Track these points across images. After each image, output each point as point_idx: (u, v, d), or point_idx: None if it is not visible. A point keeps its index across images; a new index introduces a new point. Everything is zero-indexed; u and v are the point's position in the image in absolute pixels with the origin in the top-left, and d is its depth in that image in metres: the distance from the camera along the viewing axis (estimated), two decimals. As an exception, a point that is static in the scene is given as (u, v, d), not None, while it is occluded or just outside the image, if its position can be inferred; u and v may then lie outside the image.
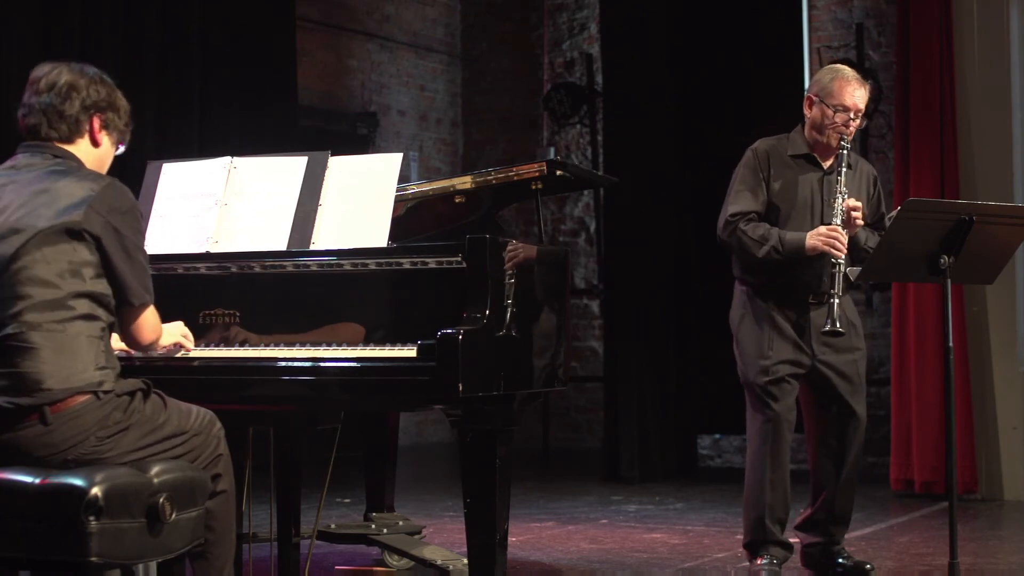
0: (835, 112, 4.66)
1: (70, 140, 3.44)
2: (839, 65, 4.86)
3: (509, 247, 3.79)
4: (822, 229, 4.58)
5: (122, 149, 3.59)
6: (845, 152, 4.65)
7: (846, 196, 4.61)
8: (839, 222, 4.57)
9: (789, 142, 4.80)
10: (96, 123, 3.46)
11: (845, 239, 4.55)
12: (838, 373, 4.76)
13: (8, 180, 3.38)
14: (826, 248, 4.54)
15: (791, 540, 4.85)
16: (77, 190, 3.30)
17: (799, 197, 4.72)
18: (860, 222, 4.64)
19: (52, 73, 3.45)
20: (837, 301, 4.52)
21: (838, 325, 4.51)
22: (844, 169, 4.63)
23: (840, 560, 4.85)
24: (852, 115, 4.67)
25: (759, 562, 4.74)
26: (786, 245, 4.60)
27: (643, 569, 5.23)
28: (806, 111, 4.77)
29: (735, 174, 4.79)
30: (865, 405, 4.85)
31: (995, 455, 7.10)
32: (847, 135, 4.67)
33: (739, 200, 4.71)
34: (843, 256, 4.54)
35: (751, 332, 4.75)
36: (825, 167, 4.75)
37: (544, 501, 7.20)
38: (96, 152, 3.48)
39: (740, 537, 4.89)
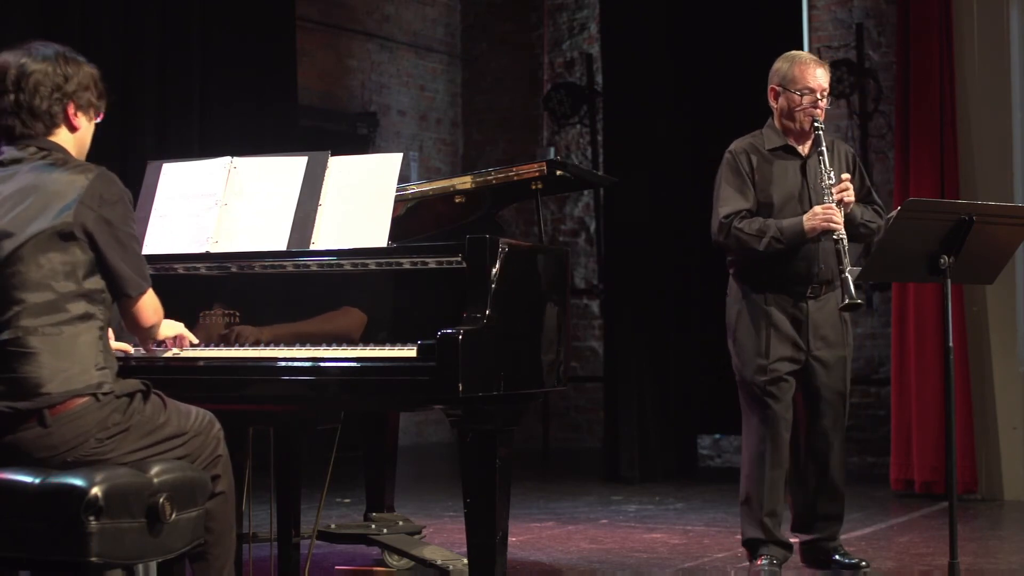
0: (801, 96, 4.73)
1: (49, 133, 3.40)
2: (793, 52, 4.91)
3: (503, 247, 3.78)
4: (817, 209, 4.62)
5: (100, 118, 3.52)
6: (821, 133, 4.70)
7: (831, 174, 4.64)
8: (830, 199, 4.61)
9: (763, 138, 4.84)
10: (71, 109, 3.40)
11: (841, 213, 4.58)
12: (828, 368, 4.78)
13: None
14: (825, 225, 4.58)
15: (791, 540, 4.86)
16: (67, 187, 3.27)
17: (784, 188, 4.76)
18: (851, 198, 4.65)
19: (14, 68, 3.36)
20: (848, 275, 4.52)
21: (855, 297, 4.51)
22: (823, 148, 4.68)
23: (836, 557, 4.86)
24: (819, 95, 4.73)
25: (759, 562, 4.75)
26: (785, 232, 4.64)
27: (643, 569, 5.22)
28: (772, 103, 4.83)
29: (718, 179, 4.82)
30: (848, 401, 4.87)
31: (995, 455, 7.10)
32: (818, 116, 4.72)
33: (729, 201, 4.74)
34: (842, 230, 4.56)
35: (748, 330, 4.76)
36: (804, 154, 4.80)
37: (544, 501, 7.20)
38: (76, 135, 3.44)
39: (740, 537, 4.90)
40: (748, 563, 4.83)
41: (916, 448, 7.11)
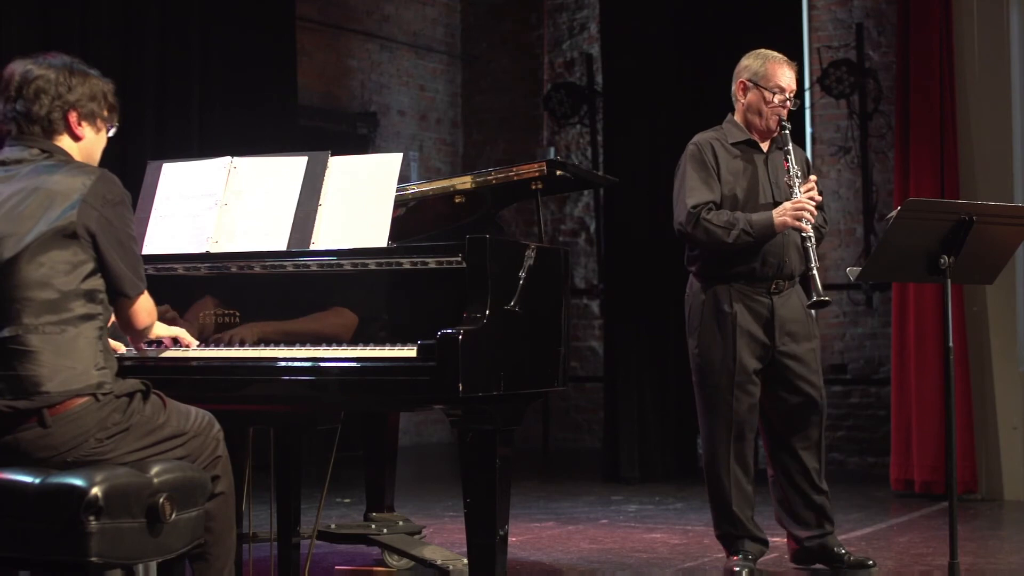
0: (773, 94, 4.74)
1: (49, 138, 3.41)
2: (764, 49, 4.90)
3: (503, 247, 3.78)
4: (787, 205, 4.63)
5: (113, 131, 3.55)
6: (787, 132, 4.73)
7: (798, 173, 4.67)
8: (801, 195, 4.62)
9: (725, 132, 4.85)
10: (72, 118, 3.42)
11: (813, 211, 4.60)
12: (800, 361, 4.78)
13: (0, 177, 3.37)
14: (795, 223, 4.59)
15: (770, 539, 4.88)
16: (70, 187, 3.28)
17: (747, 182, 4.77)
18: (819, 198, 4.67)
19: (19, 75, 3.40)
20: (815, 272, 4.53)
21: (823, 293, 4.51)
22: (790, 146, 4.71)
23: (834, 556, 4.83)
24: (788, 95, 4.75)
25: (735, 558, 4.77)
26: (755, 226, 4.64)
27: (643, 569, 5.22)
28: (740, 97, 4.83)
29: (681, 171, 4.81)
30: (823, 393, 4.86)
31: (995, 455, 7.10)
32: (784, 116, 4.75)
33: (695, 192, 4.72)
34: (811, 230, 4.58)
35: (713, 329, 4.76)
36: (764, 150, 4.82)
37: (544, 501, 7.20)
38: (80, 145, 3.45)
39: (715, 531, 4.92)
40: (725, 556, 4.85)
41: (916, 448, 7.11)
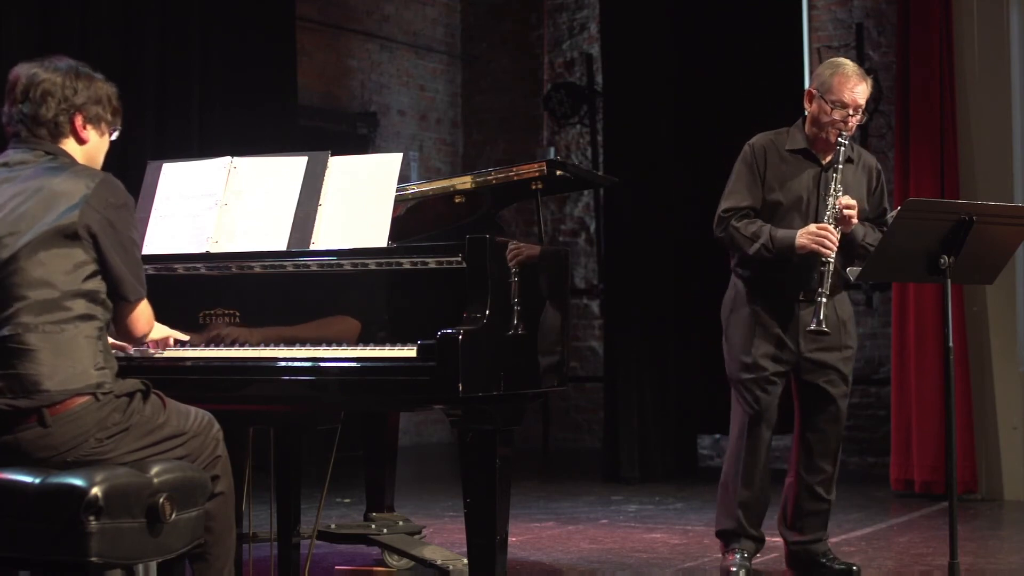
0: (833, 108, 4.63)
1: (55, 141, 3.43)
2: (841, 59, 4.81)
3: (511, 247, 3.78)
4: (812, 227, 4.57)
5: (115, 136, 3.57)
6: (842, 148, 4.62)
7: (840, 194, 4.59)
8: (831, 221, 4.56)
9: (788, 137, 4.77)
10: (78, 121, 3.44)
11: (836, 237, 4.53)
12: (823, 370, 4.75)
13: (2, 178, 3.38)
14: (815, 247, 4.53)
15: (770, 538, 4.86)
16: (73, 188, 3.29)
17: (794, 193, 4.70)
18: (854, 220, 4.62)
19: (25, 78, 3.42)
20: (824, 300, 4.52)
21: (824, 325, 4.51)
22: (840, 166, 4.61)
23: (823, 561, 4.83)
24: (851, 111, 4.63)
25: (731, 557, 4.77)
26: (776, 243, 4.60)
27: (643, 569, 5.23)
28: (807, 105, 4.75)
29: (733, 170, 4.79)
30: (847, 401, 4.85)
31: (995, 455, 7.10)
32: (846, 131, 4.64)
33: (732, 196, 4.72)
34: (832, 255, 4.53)
35: (738, 328, 4.77)
36: (824, 162, 4.73)
37: (544, 501, 7.20)
38: (84, 148, 3.46)
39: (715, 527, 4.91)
40: (721, 555, 4.84)
41: (916, 448, 7.11)
